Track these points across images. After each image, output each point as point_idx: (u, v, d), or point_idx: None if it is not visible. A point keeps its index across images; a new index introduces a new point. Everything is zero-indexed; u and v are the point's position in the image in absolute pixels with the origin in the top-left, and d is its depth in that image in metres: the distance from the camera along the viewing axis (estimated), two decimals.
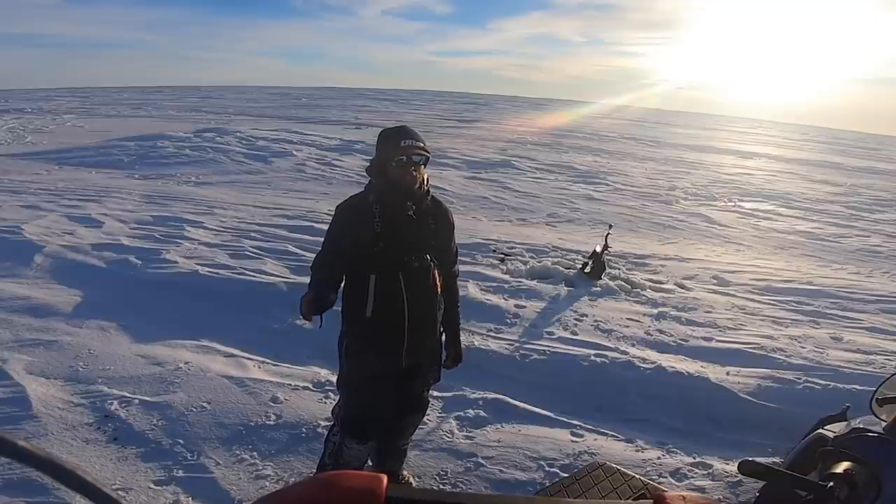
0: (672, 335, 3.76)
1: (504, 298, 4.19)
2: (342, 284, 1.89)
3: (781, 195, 10.77)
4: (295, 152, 11.26)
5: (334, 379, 2.93)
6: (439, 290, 1.90)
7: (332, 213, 1.89)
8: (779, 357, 3.49)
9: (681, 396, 3.01)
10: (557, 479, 2.07)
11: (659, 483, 2.13)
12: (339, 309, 1.91)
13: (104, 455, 2.29)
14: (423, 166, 1.82)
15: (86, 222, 5.65)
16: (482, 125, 22.08)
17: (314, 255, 1.91)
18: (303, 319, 1.75)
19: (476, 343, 3.47)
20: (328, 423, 2.54)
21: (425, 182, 1.84)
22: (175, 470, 2.23)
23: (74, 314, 3.61)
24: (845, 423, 1.58)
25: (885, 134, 68.06)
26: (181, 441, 2.39)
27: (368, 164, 1.86)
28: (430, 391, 2.12)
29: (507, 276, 4.74)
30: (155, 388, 2.79)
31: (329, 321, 1.82)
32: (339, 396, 1.99)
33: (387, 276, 1.79)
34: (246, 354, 3.22)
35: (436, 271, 1.88)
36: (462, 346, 2.11)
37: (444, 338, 2.04)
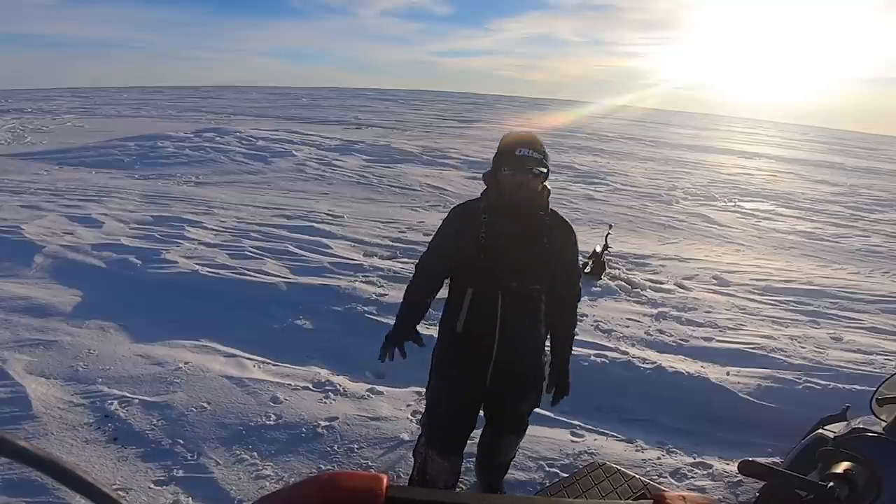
0: (672, 335, 3.76)
1: None
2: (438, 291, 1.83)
3: (781, 195, 10.77)
4: (295, 152, 11.25)
5: (334, 379, 2.94)
6: (542, 318, 1.74)
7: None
8: (779, 357, 3.49)
9: (681, 396, 3.01)
10: (557, 479, 2.07)
11: (659, 483, 2.13)
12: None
13: (104, 455, 2.29)
14: (541, 178, 1.65)
15: (86, 222, 5.65)
16: (482, 125, 22.04)
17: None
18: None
19: None
20: (328, 423, 2.54)
21: (544, 196, 1.69)
22: (175, 470, 2.23)
23: (74, 314, 3.61)
24: (845, 423, 1.58)
25: (884, 134, 68.08)
26: (181, 441, 2.39)
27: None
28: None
29: None
30: (155, 388, 2.79)
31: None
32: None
33: (484, 292, 1.65)
34: (246, 354, 3.21)
35: (542, 297, 1.71)
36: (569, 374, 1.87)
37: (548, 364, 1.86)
